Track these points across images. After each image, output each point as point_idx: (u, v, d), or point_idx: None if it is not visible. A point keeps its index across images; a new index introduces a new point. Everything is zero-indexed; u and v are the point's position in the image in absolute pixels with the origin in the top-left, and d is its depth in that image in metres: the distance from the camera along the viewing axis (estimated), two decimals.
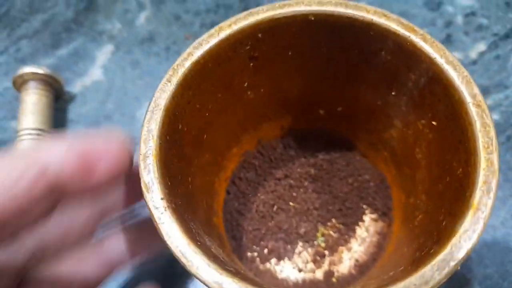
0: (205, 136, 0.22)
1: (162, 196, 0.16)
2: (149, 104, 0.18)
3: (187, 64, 0.19)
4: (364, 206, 0.27)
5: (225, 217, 0.26)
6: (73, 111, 0.35)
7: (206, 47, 0.19)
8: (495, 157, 0.16)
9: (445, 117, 0.18)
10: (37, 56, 0.38)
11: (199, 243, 0.16)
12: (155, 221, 0.15)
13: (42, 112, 0.33)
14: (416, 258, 0.16)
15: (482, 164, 0.16)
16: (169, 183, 0.17)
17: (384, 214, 0.26)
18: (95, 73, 0.37)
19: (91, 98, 0.36)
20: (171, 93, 0.18)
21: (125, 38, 0.38)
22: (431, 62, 0.18)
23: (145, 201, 0.16)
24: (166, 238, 0.15)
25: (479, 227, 0.15)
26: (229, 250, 0.25)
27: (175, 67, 0.19)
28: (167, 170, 0.17)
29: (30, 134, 0.32)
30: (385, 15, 0.19)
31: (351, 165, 0.28)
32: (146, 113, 0.18)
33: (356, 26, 0.20)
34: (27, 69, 0.33)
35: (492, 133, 0.16)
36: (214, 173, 0.25)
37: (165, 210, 0.16)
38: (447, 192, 0.18)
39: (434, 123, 0.20)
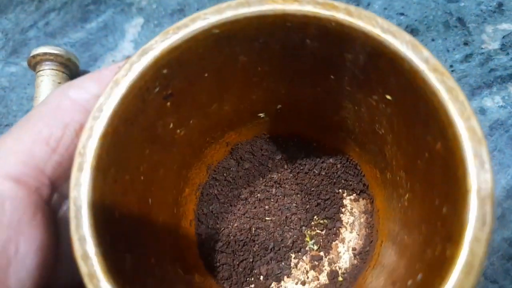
0: (150, 200, 0.19)
1: None
2: (69, 206, 0.14)
3: (94, 142, 0.15)
4: (340, 191, 0.25)
5: (205, 263, 0.24)
6: None
7: (108, 112, 0.15)
8: (475, 123, 0.14)
9: (400, 90, 0.16)
10: (66, 30, 0.37)
11: None
12: None
13: None
14: (431, 261, 0.15)
15: (464, 135, 0.14)
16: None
17: (362, 191, 0.25)
18: (126, 47, 0.36)
19: None
20: (89, 184, 0.14)
21: (155, 10, 0.36)
22: (365, 37, 0.16)
23: None
24: None
25: (488, 209, 0.13)
26: None
27: (81, 150, 0.15)
28: (122, 278, 0.14)
29: None
30: (296, 1, 0.16)
31: (310, 155, 0.25)
32: (69, 220, 0.14)
33: (269, 23, 0.17)
34: (40, 50, 0.31)
35: (462, 96, 0.14)
36: (175, 229, 0.22)
37: None
38: (432, 171, 0.16)
39: (388, 97, 0.17)
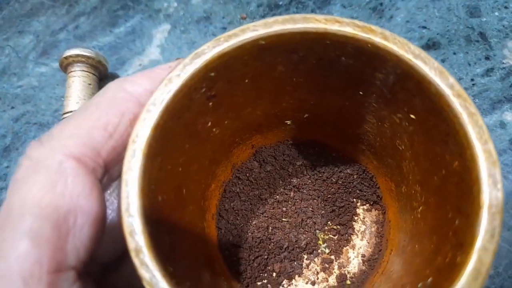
0: (184, 190, 0.20)
1: None
2: (119, 189, 0.16)
3: (147, 132, 0.17)
4: (354, 200, 0.27)
5: (223, 255, 0.25)
6: None
7: (160, 107, 0.17)
8: (491, 146, 0.15)
9: (424, 110, 0.18)
10: (96, 34, 0.39)
11: None
12: None
13: (86, 95, 0.34)
14: (441, 266, 0.16)
15: (481, 157, 0.15)
16: (171, 269, 0.16)
17: (375, 202, 0.26)
18: (153, 52, 0.37)
19: None
20: (140, 170, 0.16)
21: (181, 16, 0.38)
22: (398, 60, 0.17)
23: None
24: None
25: (497, 223, 0.15)
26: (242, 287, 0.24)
27: (135, 139, 0.17)
28: (162, 254, 0.16)
29: None
30: (337, 21, 0.18)
31: (329, 164, 0.27)
32: (119, 199, 0.16)
33: (310, 39, 0.18)
34: (73, 51, 0.32)
35: (481, 121, 0.16)
36: (201, 219, 0.23)
37: None
38: (447, 186, 0.17)
39: (412, 116, 0.19)
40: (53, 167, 0.16)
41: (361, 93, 0.21)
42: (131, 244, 0.15)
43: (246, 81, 0.20)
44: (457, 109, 0.16)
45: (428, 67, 0.17)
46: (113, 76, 0.37)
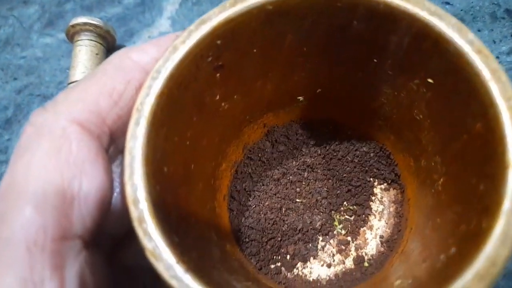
0: (192, 166, 0.20)
1: (176, 260, 0.14)
2: (123, 157, 0.16)
3: (151, 99, 0.16)
4: (371, 179, 0.26)
5: (235, 237, 0.25)
6: None
7: (165, 74, 0.16)
8: None
9: (442, 72, 0.17)
10: (103, 4, 0.38)
11: None
12: None
13: (93, 65, 0.33)
14: (465, 235, 0.15)
15: (505, 114, 0.14)
16: (176, 239, 0.15)
17: (393, 181, 0.25)
18: (163, 24, 0.36)
19: None
20: (144, 138, 0.16)
21: None
22: (412, 19, 0.16)
23: (157, 272, 0.14)
24: None
25: None
26: (254, 270, 0.23)
27: (139, 107, 0.16)
28: (168, 226, 0.15)
29: None
30: None
31: (344, 142, 0.26)
32: (122, 167, 0.15)
33: (319, 3, 0.17)
34: (80, 19, 0.32)
35: (504, 77, 0.15)
36: (211, 199, 0.23)
37: (185, 274, 0.14)
38: (470, 152, 0.16)
39: (430, 80, 0.18)
40: (57, 133, 0.15)
41: (375, 60, 0.20)
42: (133, 213, 0.15)
43: (255, 50, 0.19)
44: (477, 66, 0.15)
45: (445, 23, 0.16)
46: (120, 48, 0.36)
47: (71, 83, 0.33)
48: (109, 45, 0.34)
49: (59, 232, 0.14)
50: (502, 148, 0.14)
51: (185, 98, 0.18)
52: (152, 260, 0.14)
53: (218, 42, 0.18)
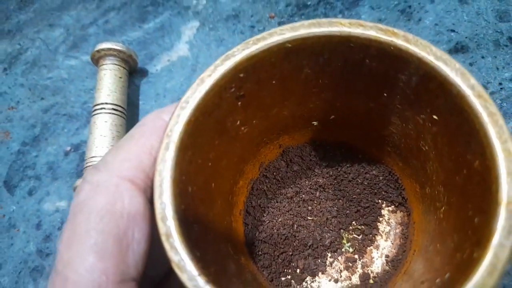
0: (213, 184, 0.22)
1: (198, 272, 0.16)
2: (154, 177, 0.17)
3: (179, 127, 0.18)
4: (380, 201, 0.27)
5: (249, 250, 0.26)
6: (160, 85, 0.37)
7: (192, 104, 0.18)
8: (510, 146, 0.16)
9: (447, 111, 0.18)
10: (125, 29, 0.40)
11: None
12: None
13: (117, 88, 0.35)
14: (459, 262, 0.16)
15: (500, 155, 0.16)
16: (198, 254, 0.17)
17: (400, 204, 0.27)
18: (181, 49, 0.38)
19: (177, 73, 0.37)
20: (172, 161, 0.17)
21: (210, 14, 0.39)
22: (420, 62, 0.18)
23: (180, 281, 0.16)
24: None
25: None
26: (265, 282, 0.25)
27: (169, 133, 0.18)
28: (191, 242, 0.17)
29: (103, 109, 0.33)
30: (361, 25, 0.19)
31: (355, 165, 0.28)
32: (153, 188, 0.17)
33: (335, 42, 0.19)
34: (105, 45, 0.34)
35: (501, 121, 0.16)
36: (228, 213, 0.25)
37: (206, 285, 0.15)
38: (469, 186, 0.18)
39: (435, 117, 0.19)
40: (111, 189, 0.18)
41: (385, 94, 0.21)
42: (162, 229, 0.16)
43: (274, 82, 0.21)
44: (477, 109, 0.16)
45: (450, 69, 0.17)
46: (142, 71, 0.39)
47: (97, 105, 0.35)
48: (131, 68, 0.36)
49: (118, 276, 0.17)
50: (496, 186, 0.15)
51: (209, 124, 0.20)
52: (178, 271, 0.16)
53: (241, 75, 0.19)
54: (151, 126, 0.20)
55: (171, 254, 0.16)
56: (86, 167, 0.37)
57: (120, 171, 0.18)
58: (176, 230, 0.16)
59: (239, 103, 0.21)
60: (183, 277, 0.16)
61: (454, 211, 0.19)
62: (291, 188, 0.28)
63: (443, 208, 0.21)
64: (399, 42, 0.18)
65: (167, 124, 0.18)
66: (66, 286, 0.16)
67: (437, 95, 0.18)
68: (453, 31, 0.36)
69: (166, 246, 0.16)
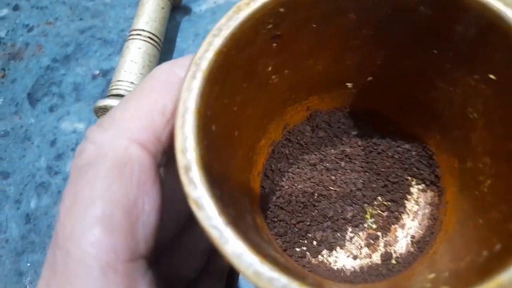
0: (236, 132, 0.20)
1: (218, 212, 0.14)
2: (177, 107, 0.16)
3: (210, 55, 0.16)
4: (409, 178, 0.25)
5: (265, 214, 0.24)
6: (201, 26, 0.38)
7: (226, 32, 0.17)
8: None
9: (506, 68, 0.16)
10: None
11: (268, 258, 0.14)
12: (216, 242, 0.13)
13: (157, 17, 0.36)
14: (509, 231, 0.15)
15: None
16: (218, 193, 0.15)
17: (432, 183, 0.25)
18: None
19: (221, 16, 0.37)
20: (199, 91, 0.16)
21: None
22: (483, 9, 0.16)
23: (197, 220, 0.14)
24: (234, 259, 0.13)
25: None
26: (279, 249, 0.23)
27: (197, 61, 0.16)
28: (211, 180, 0.15)
29: (139, 35, 0.33)
30: None
31: (387, 137, 0.26)
32: (176, 118, 0.16)
33: None
34: None
35: None
36: (248, 170, 0.23)
37: (226, 226, 0.14)
38: None
39: (491, 76, 0.17)
40: (119, 152, 0.15)
41: (435, 51, 0.19)
42: (181, 162, 0.15)
43: (313, 25, 0.19)
44: None
45: None
46: (185, 8, 0.37)
47: (133, 30, 0.34)
48: (175, 2, 0.35)
49: (128, 253, 0.14)
50: None
51: (240, 60, 0.18)
52: (195, 208, 0.14)
53: (281, 9, 0.18)
54: (163, 80, 0.17)
55: (189, 189, 0.14)
56: (111, 89, 0.36)
57: (130, 131, 0.16)
58: (197, 164, 0.15)
59: (274, 44, 0.19)
60: (200, 215, 0.14)
61: (503, 181, 0.17)
62: (315, 154, 0.26)
63: (489, 181, 0.19)
64: None
65: (193, 57, 0.16)
66: (67, 263, 0.14)
67: (497, 48, 0.16)
68: None
69: (184, 180, 0.15)
